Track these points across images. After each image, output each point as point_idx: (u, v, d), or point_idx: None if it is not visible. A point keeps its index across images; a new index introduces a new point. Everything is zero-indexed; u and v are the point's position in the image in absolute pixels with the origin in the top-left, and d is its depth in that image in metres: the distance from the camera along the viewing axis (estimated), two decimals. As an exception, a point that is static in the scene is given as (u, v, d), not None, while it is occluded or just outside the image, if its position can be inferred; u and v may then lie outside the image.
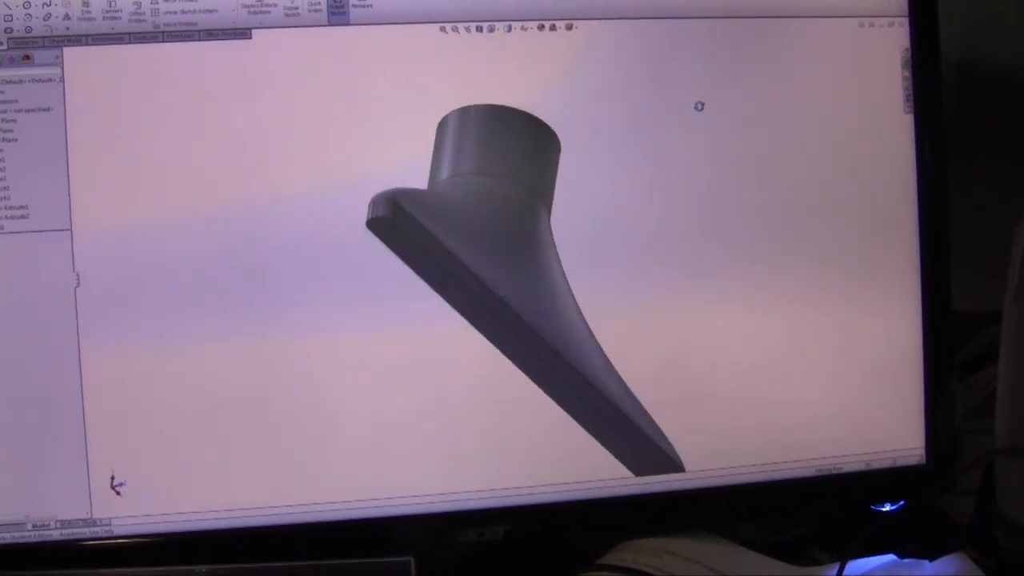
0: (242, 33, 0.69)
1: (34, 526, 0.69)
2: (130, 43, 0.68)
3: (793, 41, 0.75)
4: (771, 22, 0.75)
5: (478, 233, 0.71)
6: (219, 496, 0.70)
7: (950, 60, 0.79)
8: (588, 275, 0.73)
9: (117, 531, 0.69)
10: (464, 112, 0.71)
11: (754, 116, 0.75)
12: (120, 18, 0.68)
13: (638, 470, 0.75)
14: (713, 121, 0.74)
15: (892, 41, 0.77)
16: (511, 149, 0.72)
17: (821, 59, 0.76)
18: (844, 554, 0.74)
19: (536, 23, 0.72)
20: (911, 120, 0.77)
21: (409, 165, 0.70)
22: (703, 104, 0.74)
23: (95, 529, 0.69)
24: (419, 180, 0.70)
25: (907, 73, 0.77)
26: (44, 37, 0.67)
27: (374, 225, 0.70)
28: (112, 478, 0.69)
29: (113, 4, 0.67)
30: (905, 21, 0.77)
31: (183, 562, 0.68)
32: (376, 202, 0.70)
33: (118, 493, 0.69)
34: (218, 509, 0.70)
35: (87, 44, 0.67)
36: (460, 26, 0.71)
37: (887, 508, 0.80)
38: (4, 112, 0.67)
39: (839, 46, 0.76)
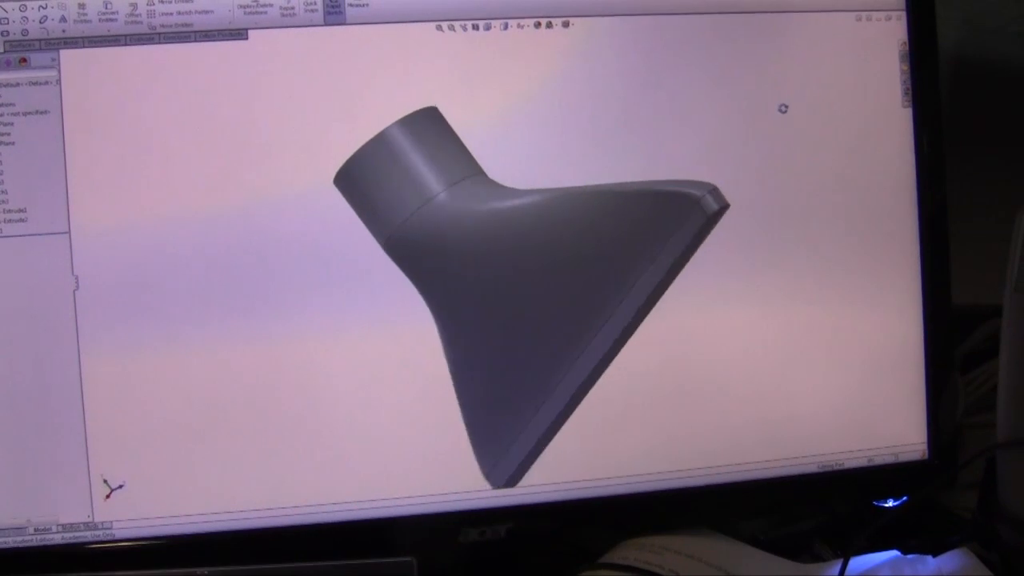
0: (238, 34, 0.69)
1: (36, 530, 0.69)
2: (127, 45, 0.68)
3: (790, 36, 0.75)
4: (767, 17, 0.75)
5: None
6: (221, 498, 0.70)
7: (948, 53, 0.79)
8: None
9: (119, 534, 0.69)
10: (385, 137, 0.70)
11: (751, 111, 0.75)
12: (116, 20, 0.67)
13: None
14: (710, 118, 0.74)
15: (890, 35, 0.77)
16: (449, 146, 0.71)
17: (818, 54, 0.75)
18: (847, 550, 0.74)
19: (532, 20, 0.72)
20: (910, 114, 0.77)
21: (407, 164, 0.70)
22: (787, 106, 0.75)
23: (97, 532, 0.69)
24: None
25: (905, 67, 0.77)
26: (40, 40, 0.67)
27: (716, 216, 0.70)
28: (105, 482, 0.69)
29: (109, 6, 0.67)
30: (902, 15, 0.76)
31: (185, 565, 0.68)
32: (713, 191, 0.69)
33: (107, 497, 0.69)
34: (220, 511, 0.70)
35: (84, 46, 0.67)
36: (456, 24, 0.71)
37: (890, 504, 0.80)
38: (1, 115, 0.67)
39: (836, 40, 0.76)
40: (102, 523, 0.69)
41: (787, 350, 0.76)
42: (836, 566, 0.74)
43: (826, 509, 0.81)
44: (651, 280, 0.70)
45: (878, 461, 0.78)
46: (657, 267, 0.70)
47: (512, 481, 0.73)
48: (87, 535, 0.69)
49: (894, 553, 0.77)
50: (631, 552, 0.74)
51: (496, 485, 0.73)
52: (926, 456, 0.79)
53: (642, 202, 0.71)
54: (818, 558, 0.78)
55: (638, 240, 0.70)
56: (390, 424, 0.71)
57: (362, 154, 0.70)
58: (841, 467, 0.78)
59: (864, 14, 0.76)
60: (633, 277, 0.70)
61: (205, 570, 0.68)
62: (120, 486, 0.69)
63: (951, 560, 0.76)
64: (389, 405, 0.71)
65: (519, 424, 0.71)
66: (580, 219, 0.71)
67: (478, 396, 0.71)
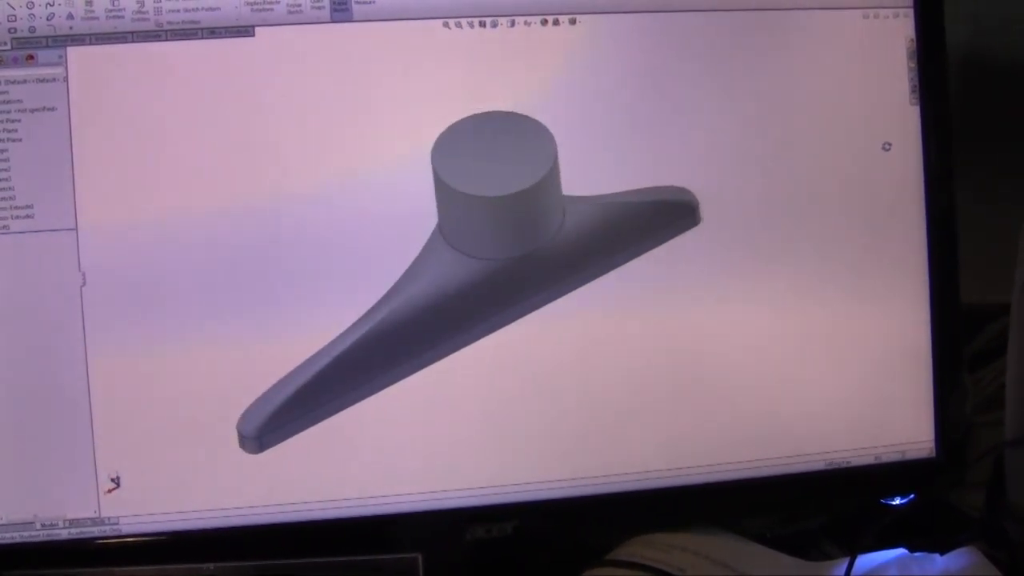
0: (245, 31, 0.69)
1: (42, 525, 0.69)
2: (133, 42, 0.68)
3: (797, 34, 0.75)
4: (775, 15, 0.75)
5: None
6: (226, 494, 0.70)
7: (955, 50, 0.79)
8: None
9: (125, 530, 0.70)
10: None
11: (759, 109, 0.74)
12: (123, 17, 0.68)
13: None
14: (717, 115, 0.74)
15: (897, 32, 0.76)
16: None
17: (826, 51, 0.75)
18: (854, 548, 0.74)
19: (539, 18, 0.72)
20: (918, 111, 0.77)
21: (412, 162, 0.70)
22: (890, 145, 0.75)
23: (103, 528, 0.69)
24: (421, 176, 0.70)
25: (913, 64, 0.77)
26: (48, 37, 0.67)
27: None
28: (111, 479, 0.69)
29: (116, 3, 0.68)
30: (910, 12, 0.76)
31: (191, 560, 0.68)
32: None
33: (109, 492, 0.69)
34: (225, 507, 0.70)
35: (91, 43, 0.68)
36: (463, 21, 0.71)
37: (897, 502, 0.79)
38: (8, 112, 0.67)
39: (844, 38, 0.76)
40: (108, 519, 0.69)
41: (795, 348, 0.76)
42: (843, 564, 0.74)
43: (833, 507, 0.81)
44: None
45: (885, 459, 0.78)
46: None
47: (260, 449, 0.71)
48: (94, 531, 0.69)
49: (901, 551, 0.77)
50: (638, 549, 0.74)
51: (251, 449, 0.70)
52: (934, 454, 0.78)
53: (648, 210, 0.73)
54: (825, 556, 0.78)
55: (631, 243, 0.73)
56: (396, 420, 0.71)
57: (547, 177, 0.71)
58: (848, 465, 0.77)
59: (872, 11, 0.76)
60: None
61: (210, 565, 0.68)
62: (125, 481, 0.69)
63: (958, 558, 0.76)
64: (395, 401, 0.71)
65: (311, 413, 0.71)
66: (599, 225, 0.73)
67: (331, 381, 0.71)
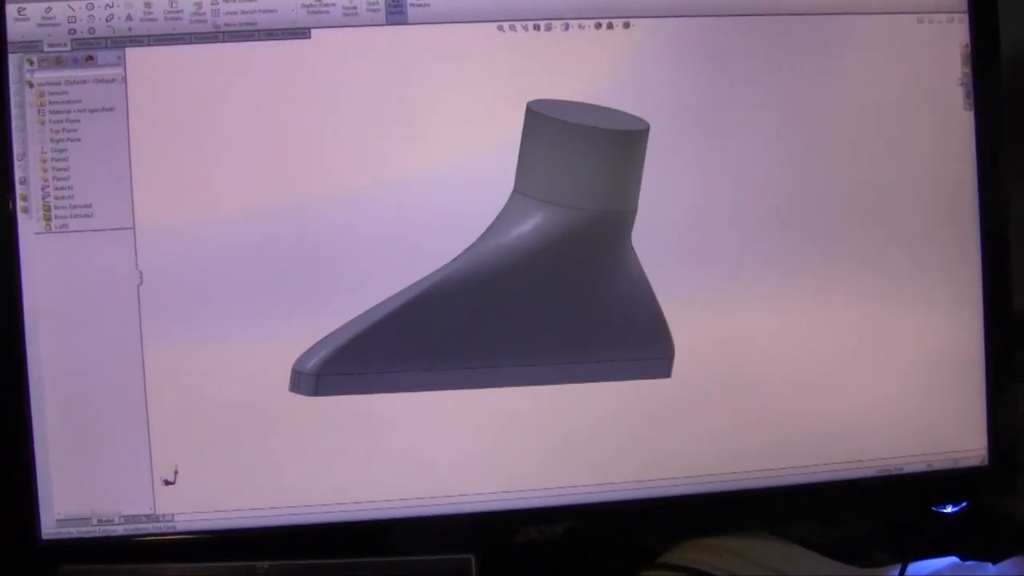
0: (301, 33, 0.69)
1: (99, 521, 0.70)
2: (191, 43, 0.69)
3: (851, 38, 0.75)
4: (829, 19, 0.74)
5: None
6: (281, 493, 0.71)
7: (1009, 55, 0.78)
8: (647, 273, 0.73)
9: (180, 527, 0.70)
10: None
11: (814, 114, 0.74)
12: (181, 19, 0.68)
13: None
14: (769, 119, 0.74)
15: (952, 37, 0.76)
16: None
17: (880, 56, 0.75)
18: (905, 555, 0.74)
19: (593, 22, 0.72)
20: (971, 117, 0.76)
21: (465, 162, 0.71)
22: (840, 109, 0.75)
23: (158, 524, 0.70)
24: (474, 176, 0.71)
25: (967, 69, 0.76)
26: (107, 38, 0.68)
27: None
28: (165, 481, 0.70)
29: (174, 5, 0.68)
30: (964, 17, 0.76)
31: (244, 558, 0.68)
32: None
33: (167, 484, 0.70)
34: (279, 506, 0.70)
35: (149, 45, 0.68)
36: (517, 24, 0.71)
37: (949, 509, 0.79)
38: (68, 112, 0.68)
39: (898, 43, 0.75)
40: (163, 515, 0.70)
41: (847, 354, 0.76)
42: (894, 571, 0.73)
43: (884, 513, 0.80)
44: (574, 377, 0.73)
45: (937, 466, 0.77)
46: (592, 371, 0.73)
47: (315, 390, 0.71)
48: (148, 527, 0.70)
49: (953, 559, 0.77)
50: (690, 553, 0.74)
51: (306, 388, 0.70)
52: (986, 462, 0.78)
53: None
54: (875, 563, 0.78)
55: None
56: (449, 422, 0.72)
57: (646, 133, 0.72)
58: (900, 472, 0.77)
59: (926, 16, 0.75)
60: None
61: (264, 564, 0.68)
62: (180, 479, 0.69)
63: (1011, 567, 0.75)
64: (448, 403, 0.71)
65: (375, 365, 0.71)
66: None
67: (398, 327, 0.71)
